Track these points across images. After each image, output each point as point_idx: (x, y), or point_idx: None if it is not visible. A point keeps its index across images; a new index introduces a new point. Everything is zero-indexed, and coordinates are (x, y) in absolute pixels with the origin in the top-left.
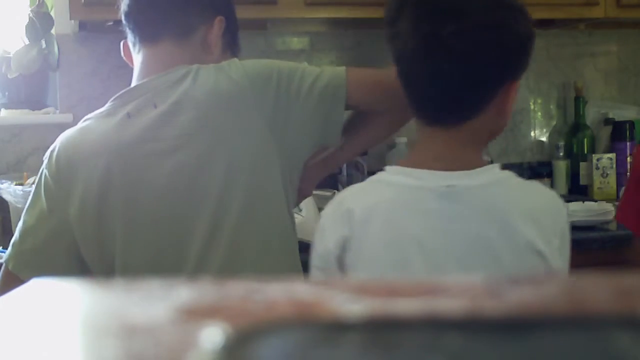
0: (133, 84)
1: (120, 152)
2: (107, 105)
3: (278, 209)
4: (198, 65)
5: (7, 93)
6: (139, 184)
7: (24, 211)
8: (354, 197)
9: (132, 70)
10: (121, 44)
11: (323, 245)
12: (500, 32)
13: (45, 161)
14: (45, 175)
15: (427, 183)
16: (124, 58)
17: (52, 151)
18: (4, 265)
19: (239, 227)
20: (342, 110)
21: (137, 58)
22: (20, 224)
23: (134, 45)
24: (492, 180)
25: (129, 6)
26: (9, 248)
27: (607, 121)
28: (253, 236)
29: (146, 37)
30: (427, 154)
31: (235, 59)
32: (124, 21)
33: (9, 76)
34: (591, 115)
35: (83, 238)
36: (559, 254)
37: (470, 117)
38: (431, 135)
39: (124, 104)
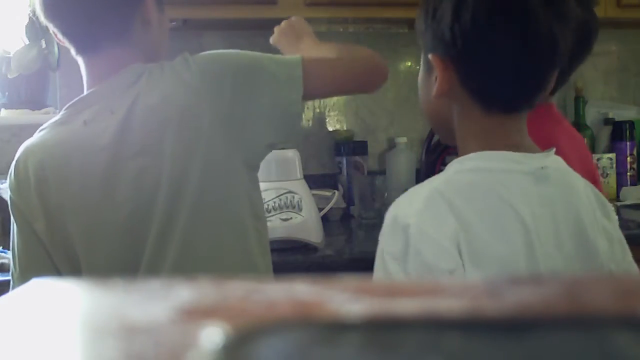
0: (87, 88)
1: (79, 160)
2: (61, 114)
3: (233, 211)
4: (151, 66)
5: (7, 93)
6: (99, 191)
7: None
8: (457, 192)
9: None
10: (52, 32)
11: (436, 247)
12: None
13: (7, 179)
14: (8, 192)
15: (525, 166)
16: (59, 42)
17: (11, 166)
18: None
19: (189, 230)
20: (300, 103)
21: (78, 60)
22: (14, 258)
23: (69, 47)
24: (562, 163)
25: (48, 11)
26: (12, 283)
27: (607, 121)
28: (205, 239)
29: (84, 49)
30: (502, 140)
31: (188, 56)
32: (43, 19)
33: (9, 76)
34: (591, 115)
35: (52, 246)
36: None
37: (533, 107)
38: (500, 123)
39: (79, 111)
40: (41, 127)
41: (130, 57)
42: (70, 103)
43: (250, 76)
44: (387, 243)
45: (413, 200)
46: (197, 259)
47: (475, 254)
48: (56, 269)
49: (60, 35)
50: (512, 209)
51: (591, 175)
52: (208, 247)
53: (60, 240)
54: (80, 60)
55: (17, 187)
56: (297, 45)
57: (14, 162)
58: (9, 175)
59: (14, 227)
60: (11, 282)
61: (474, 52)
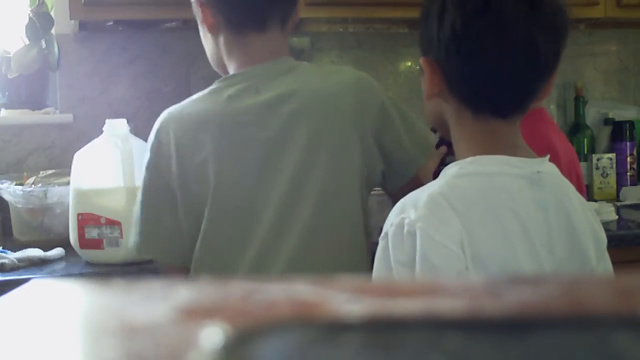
0: (239, 67)
1: (221, 130)
2: (212, 86)
3: (352, 209)
4: (306, 63)
5: (7, 93)
6: (228, 160)
7: (140, 195)
8: (459, 195)
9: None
10: (199, 8)
11: (443, 250)
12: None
13: (150, 140)
14: (149, 151)
15: (521, 170)
16: (205, 23)
17: (155, 128)
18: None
19: (311, 223)
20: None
21: (238, 39)
22: (138, 208)
23: (234, 25)
24: (555, 169)
25: None
26: (138, 238)
27: (607, 121)
28: (325, 234)
29: (254, 23)
30: (500, 143)
31: (350, 69)
32: None
33: (9, 76)
34: (591, 115)
35: (182, 199)
36: None
37: (527, 110)
38: (492, 128)
39: (227, 86)
40: (191, 97)
41: (283, 46)
42: (222, 78)
43: (392, 120)
44: (395, 251)
45: (416, 205)
46: (313, 258)
47: (478, 257)
48: (179, 220)
49: (219, 9)
50: (512, 212)
51: (577, 180)
52: (326, 247)
53: (191, 196)
54: (238, 39)
55: (158, 147)
56: None
57: (156, 125)
58: (151, 137)
59: (142, 190)
60: (135, 245)
61: (457, 60)
